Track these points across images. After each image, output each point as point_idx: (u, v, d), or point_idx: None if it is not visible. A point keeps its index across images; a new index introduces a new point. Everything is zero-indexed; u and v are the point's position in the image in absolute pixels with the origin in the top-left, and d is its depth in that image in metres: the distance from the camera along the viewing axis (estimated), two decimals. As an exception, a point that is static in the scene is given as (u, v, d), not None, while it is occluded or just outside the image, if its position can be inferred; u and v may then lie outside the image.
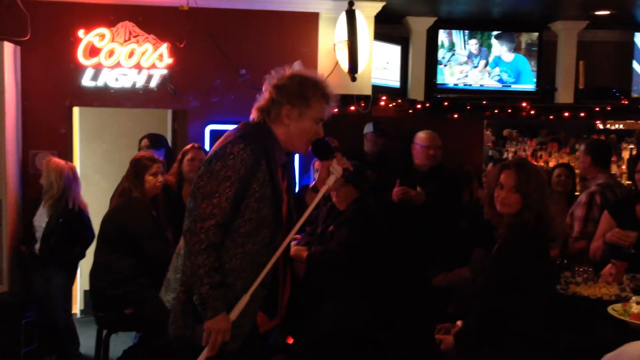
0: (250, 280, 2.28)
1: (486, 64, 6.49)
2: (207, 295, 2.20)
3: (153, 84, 5.01)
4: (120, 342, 4.13)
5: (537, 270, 2.71)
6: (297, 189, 4.49)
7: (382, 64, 6.02)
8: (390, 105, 5.70)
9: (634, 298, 2.74)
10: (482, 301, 2.84)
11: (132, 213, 3.61)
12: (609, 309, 2.61)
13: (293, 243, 3.86)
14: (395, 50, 6.24)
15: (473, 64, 6.47)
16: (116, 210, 3.68)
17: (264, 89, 2.40)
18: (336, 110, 5.32)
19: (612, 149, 4.65)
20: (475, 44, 6.47)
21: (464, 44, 6.45)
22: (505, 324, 2.72)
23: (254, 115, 2.39)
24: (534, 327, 2.71)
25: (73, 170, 4.38)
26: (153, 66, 4.97)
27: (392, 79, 6.22)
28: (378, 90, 5.72)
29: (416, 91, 6.30)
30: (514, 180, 2.75)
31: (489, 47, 6.51)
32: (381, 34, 5.80)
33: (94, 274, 3.68)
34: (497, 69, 6.54)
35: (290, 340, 3.88)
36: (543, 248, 2.77)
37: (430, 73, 6.38)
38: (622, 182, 6.64)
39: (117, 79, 4.93)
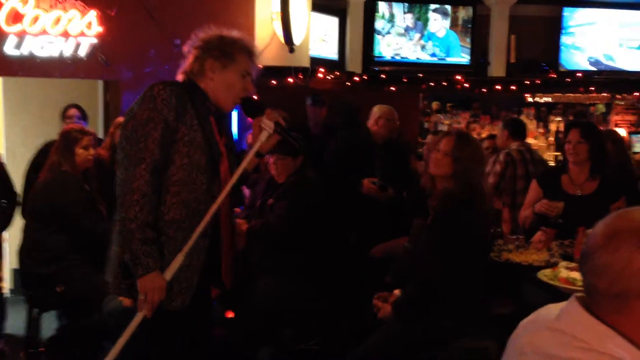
0: (192, 231, 2.20)
1: (420, 38, 6.55)
2: (139, 250, 2.10)
3: (82, 53, 4.80)
4: (50, 321, 4.00)
5: (469, 239, 2.79)
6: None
7: (320, 36, 5.98)
8: (329, 77, 5.69)
9: (562, 263, 2.85)
10: (418, 270, 2.91)
11: (63, 188, 3.47)
12: (539, 274, 2.70)
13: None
14: (333, 22, 6.21)
15: (409, 37, 6.53)
16: (45, 185, 3.52)
17: (186, 52, 2.36)
18: (274, 82, 5.30)
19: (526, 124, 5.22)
20: (412, 17, 6.51)
21: (403, 16, 6.49)
22: (440, 292, 2.79)
23: (179, 79, 2.34)
24: (469, 294, 2.79)
25: None
26: (82, 34, 4.76)
27: (330, 51, 6.19)
28: (316, 62, 5.69)
29: (354, 64, 6.31)
30: (450, 145, 2.86)
31: (426, 21, 6.57)
32: (318, 5, 5.74)
33: (23, 252, 3.53)
34: (430, 43, 6.62)
35: (229, 315, 3.87)
36: (475, 218, 2.85)
37: (367, 45, 6.39)
38: (551, 153, 6.90)
39: (42, 47, 4.69)
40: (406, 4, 6.45)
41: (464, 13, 6.65)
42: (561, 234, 3.22)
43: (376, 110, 4.66)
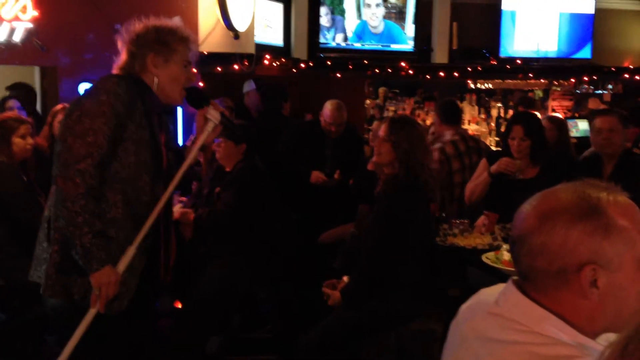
0: (134, 231, 2.14)
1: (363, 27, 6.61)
2: (90, 244, 2.02)
3: (17, 38, 4.60)
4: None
5: (413, 223, 2.84)
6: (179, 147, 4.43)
7: (265, 22, 5.93)
8: (275, 64, 5.65)
9: (504, 246, 2.95)
10: (365, 255, 2.95)
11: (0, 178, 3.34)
12: (483, 257, 2.78)
13: (179, 206, 3.77)
14: (277, 8, 6.16)
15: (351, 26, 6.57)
16: (-20, 176, 3.38)
17: (119, 47, 2.27)
18: (219, 69, 5.22)
19: (460, 107, 4.86)
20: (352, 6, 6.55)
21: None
22: (386, 277, 2.84)
23: (115, 73, 2.24)
24: (414, 277, 2.85)
25: None
26: (16, 18, 4.56)
27: (276, 38, 6.15)
28: (262, 49, 5.64)
29: (299, 50, 6.29)
30: (386, 130, 2.90)
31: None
32: (263, -9, 5.70)
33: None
34: (373, 30, 6.68)
35: (178, 305, 3.83)
36: (419, 202, 2.90)
37: (313, 32, 6.37)
38: (492, 138, 7.07)
39: (-26, 32, 4.48)
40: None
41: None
42: (501, 217, 3.32)
43: (327, 104, 4.69)
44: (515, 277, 1.19)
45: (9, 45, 4.60)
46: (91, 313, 2.09)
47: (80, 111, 2.08)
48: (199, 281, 3.49)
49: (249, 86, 5.29)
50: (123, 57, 2.24)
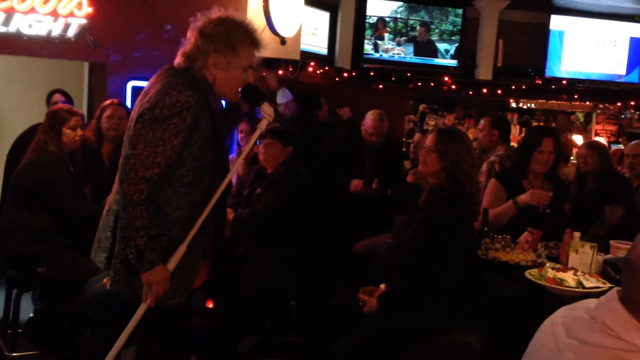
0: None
1: (408, 39, 6.59)
2: (144, 246, 2.10)
3: (71, 33, 4.71)
4: (26, 304, 3.93)
5: (455, 234, 2.81)
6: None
7: (310, 30, 5.97)
8: (318, 72, 5.68)
9: (548, 264, 2.89)
10: (405, 265, 2.92)
11: (48, 167, 3.40)
12: (526, 274, 2.73)
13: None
14: (324, 17, 6.20)
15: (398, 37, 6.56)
16: (30, 164, 3.45)
17: (189, 33, 2.28)
18: (263, 73, 5.25)
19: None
20: (401, 17, 6.54)
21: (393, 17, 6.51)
22: (427, 287, 2.81)
23: (179, 60, 2.27)
24: (453, 289, 2.81)
25: None
26: (71, 14, 4.67)
27: (320, 46, 6.19)
28: (305, 56, 5.67)
29: (343, 59, 6.31)
30: (434, 141, 2.89)
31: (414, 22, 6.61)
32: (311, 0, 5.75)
33: (5, 231, 3.45)
34: (418, 44, 6.66)
35: (210, 304, 3.84)
36: (463, 214, 2.86)
37: (357, 42, 6.39)
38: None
39: (31, 26, 4.59)
40: (398, 4, 6.47)
41: (453, 13, 6.69)
42: (545, 235, 3.26)
43: (369, 114, 4.69)
44: (619, 288, 1.22)
45: (62, 40, 4.71)
46: (142, 308, 2.18)
47: (153, 119, 2.10)
48: (235, 282, 3.50)
49: (285, 97, 5.29)
50: (189, 46, 2.25)
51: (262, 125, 2.34)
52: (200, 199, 2.23)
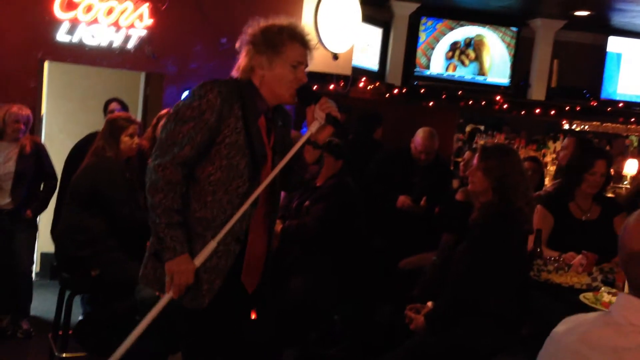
0: (222, 229, 2.18)
1: (460, 55, 6.55)
2: (164, 234, 2.11)
3: (130, 44, 4.87)
4: (77, 306, 4.03)
5: (505, 253, 2.76)
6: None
7: (362, 46, 6.00)
8: (369, 87, 5.70)
9: (603, 288, 2.82)
10: (454, 284, 2.88)
11: (106, 172, 3.50)
12: (581, 297, 2.67)
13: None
14: (376, 33, 6.23)
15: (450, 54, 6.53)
16: (89, 168, 3.56)
17: (237, 44, 2.30)
18: (316, 87, 5.30)
19: None
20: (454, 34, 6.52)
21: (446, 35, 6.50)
22: (475, 307, 2.76)
23: (234, 75, 2.29)
24: (502, 309, 2.76)
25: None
26: (132, 26, 4.84)
27: (371, 62, 6.21)
28: (356, 71, 5.70)
29: (394, 76, 6.31)
30: (478, 158, 2.88)
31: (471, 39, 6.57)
32: (364, 15, 5.76)
33: (61, 234, 3.56)
34: (469, 62, 6.61)
35: (253, 315, 3.84)
36: (513, 231, 2.81)
37: (409, 59, 6.39)
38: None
39: (93, 36, 4.78)
40: (449, 22, 6.45)
41: (506, 32, 6.63)
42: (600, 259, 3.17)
43: (420, 132, 4.68)
44: (623, 292, 1.21)
45: (122, 51, 4.87)
46: (166, 297, 2.16)
47: (175, 113, 2.18)
48: (279, 293, 3.51)
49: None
50: (241, 57, 2.28)
51: (313, 128, 2.29)
52: (230, 200, 2.19)
